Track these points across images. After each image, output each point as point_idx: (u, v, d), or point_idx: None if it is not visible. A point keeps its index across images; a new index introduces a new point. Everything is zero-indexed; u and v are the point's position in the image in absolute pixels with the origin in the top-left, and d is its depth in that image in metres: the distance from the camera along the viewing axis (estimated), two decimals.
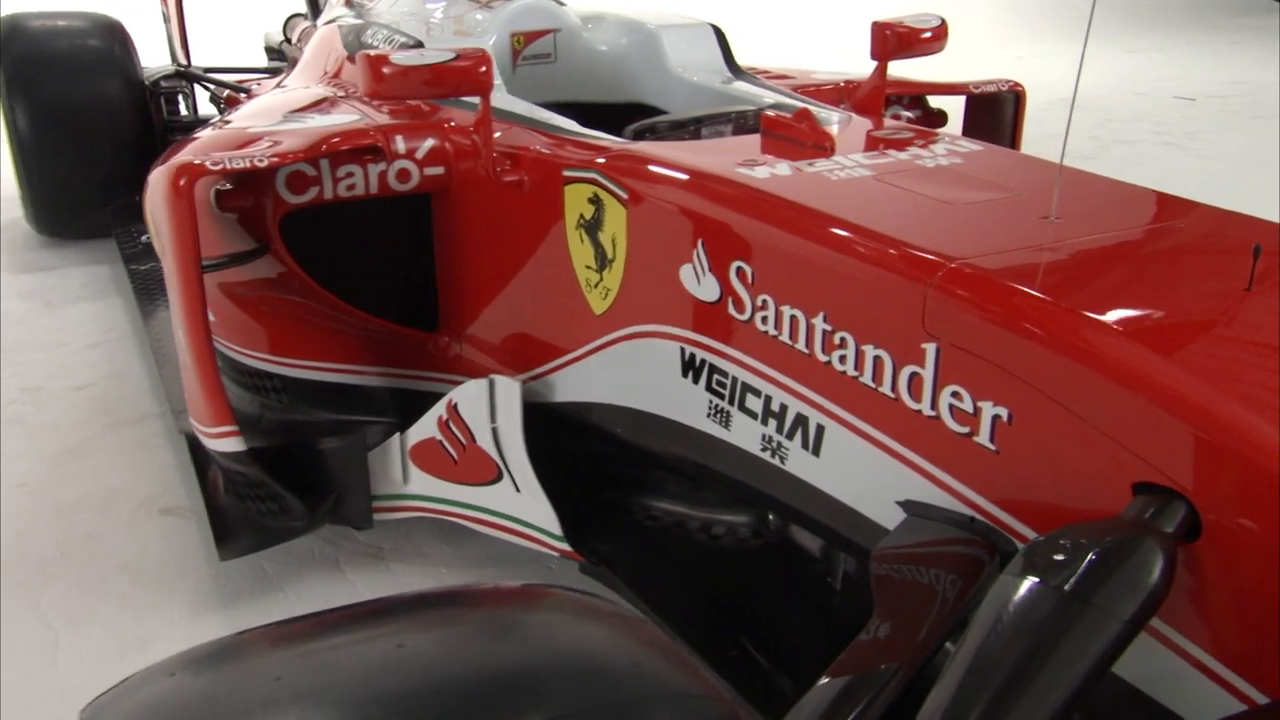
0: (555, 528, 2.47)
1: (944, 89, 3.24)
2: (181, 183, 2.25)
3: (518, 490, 2.51)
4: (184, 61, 5.58)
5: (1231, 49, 12.76)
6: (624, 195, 2.17)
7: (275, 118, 2.79)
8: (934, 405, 1.59)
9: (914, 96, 3.35)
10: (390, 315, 2.90)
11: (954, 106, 3.51)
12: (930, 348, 1.57)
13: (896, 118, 3.28)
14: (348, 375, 2.98)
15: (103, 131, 4.97)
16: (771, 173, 2.02)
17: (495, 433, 2.48)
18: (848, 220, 1.76)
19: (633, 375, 2.29)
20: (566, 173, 2.32)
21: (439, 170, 2.63)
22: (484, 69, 2.31)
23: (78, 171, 4.98)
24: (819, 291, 1.76)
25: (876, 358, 1.67)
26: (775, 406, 1.92)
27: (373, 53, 2.30)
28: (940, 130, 3.39)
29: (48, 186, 5.04)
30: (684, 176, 2.07)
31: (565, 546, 2.48)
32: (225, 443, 2.47)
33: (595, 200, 2.26)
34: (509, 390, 2.41)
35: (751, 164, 2.08)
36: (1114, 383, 1.33)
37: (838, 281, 1.72)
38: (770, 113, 2.35)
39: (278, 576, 2.74)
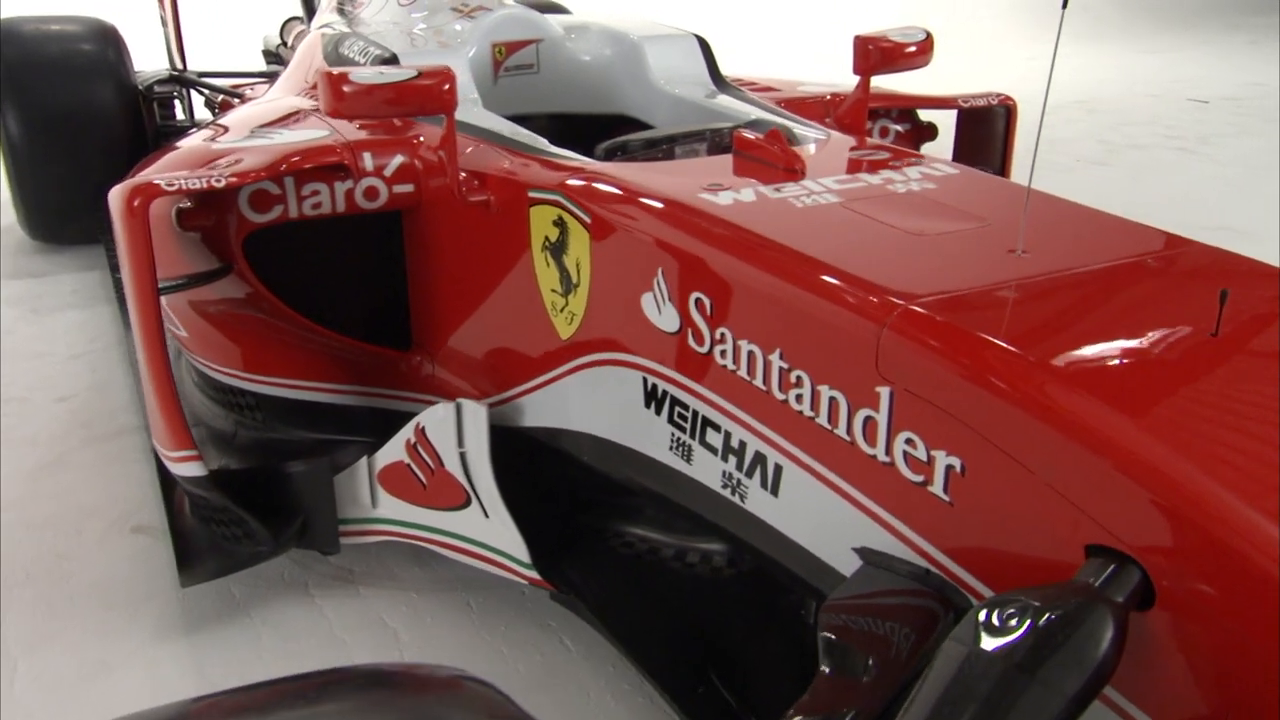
0: (524, 555, 2.41)
1: (932, 102, 3.16)
2: (135, 204, 2.20)
3: (487, 516, 2.46)
4: (180, 66, 5.55)
5: (1250, 49, 12.60)
6: (587, 219, 2.11)
7: (244, 132, 2.75)
8: (888, 452, 1.52)
9: (903, 110, 3.28)
10: (364, 333, 2.85)
11: (947, 119, 3.43)
12: (884, 392, 1.51)
13: (885, 132, 3.20)
14: (321, 394, 2.93)
15: (94, 136, 4.93)
16: (735, 198, 1.95)
17: (463, 457, 2.43)
18: (806, 253, 1.69)
19: (598, 402, 2.23)
20: (532, 194, 2.26)
21: (408, 188, 2.57)
22: (448, 87, 2.25)
23: (69, 177, 4.95)
24: (775, 327, 1.69)
25: (832, 399, 1.60)
26: (735, 443, 1.85)
27: (334, 70, 2.25)
28: (919, 151, 3.33)
29: (40, 192, 5.01)
30: (645, 201, 2.01)
31: (534, 575, 2.43)
32: (186, 467, 2.42)
33: (560, 223, 2.20)
34: (476, 415, 2.36)
35: (716, 189, 2.01)
36: (1068, 439, 1.26)
37: (793, 317, 1.66)
38: (743, 132, 2.28)
39: (245, 600, 2.69)
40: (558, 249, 2.23)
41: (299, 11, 5.47)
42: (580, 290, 2.19)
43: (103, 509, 3.11)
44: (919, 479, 1.48)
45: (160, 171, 2.74)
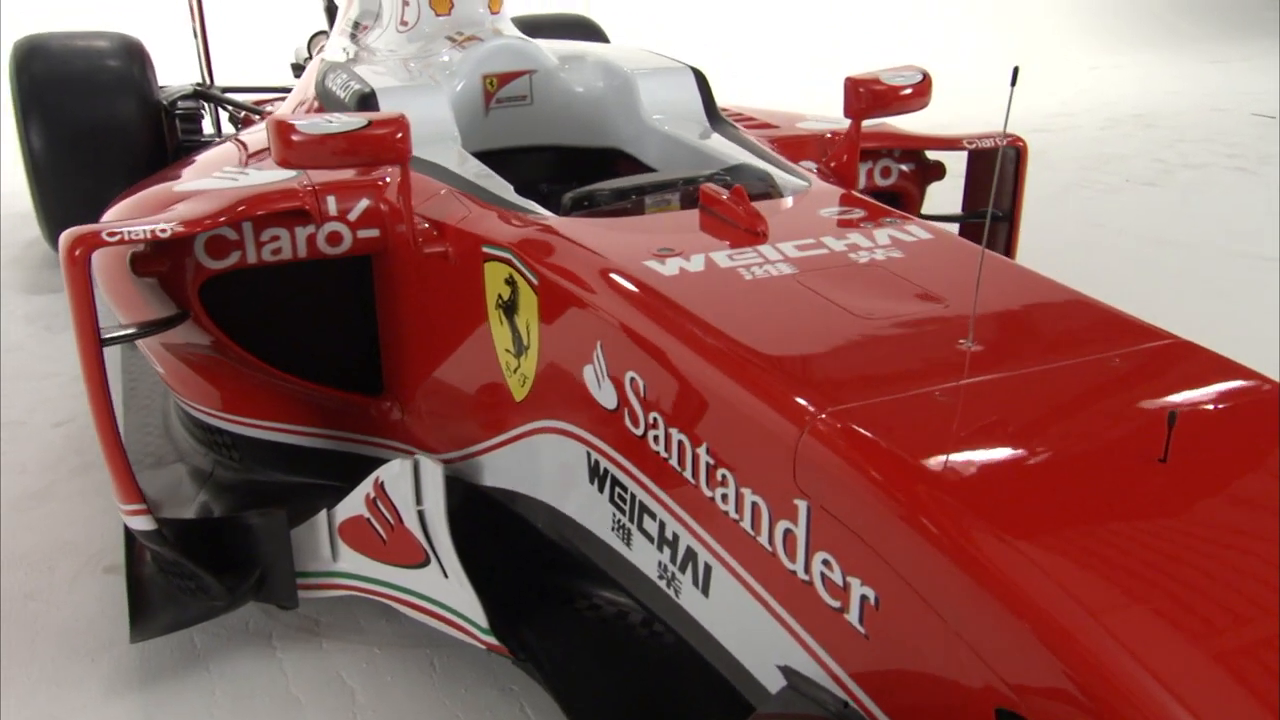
0: (481, 619, 2.31)
1: (934, 143, 2.99)
2: (77, 253, 2.14)
3: (445, 576, 2.36)
4: (208, 80, 5.55)
5: None
6: (534, 280, 2.00)
7: (211, 171, 2.68)
8: (807, 570, 1.39)
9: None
10: (340, 375, 2.78)
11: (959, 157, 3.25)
12: (802, 506, 1.38)
13: (887, 172, 3.04)
14: (297, 436, 2.86)
15: (116, 151, 4.94)
16: (682, 267, 1.83)
17: (421, 515, 2.34)
18: (739, 340, 1.56)
19: (549, 471, 2.12)
20: (485, 249, 2.16)
21: (374, 233, 2.48)
22: (400, 135, 2.15)
23: (91, 191, 4.93)
24: (702, 418, 1.57)
25: (755, 505, 1.48)
26: (669, 534, 1.73)
27: (282, 118, 2.16)
28: (928, 186, 3.17)
29: (63, 205, 5.02)
30: (588, 267, 1.89)
31: (492, 640, 2.32)
32: (135, 521, 2.36)
33: (511, 282, 2.09)
34: (432, 473, 2.27)
35: (666, 254, 1.89)
36: (983, 591, 1.12)
37: (719, 410, 1.53)
38: (710, 187, 2.15)
39: (206, 651, 2.63)
40: (510, 309, 2.12)
41: (326, 26, 5.44)
42: (531, 353, 2.08)
43: (80, 545, 3.07)
44: (836, 604, 1.35)
45: (122, 214, 2.69)
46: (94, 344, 2.19)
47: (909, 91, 2.54)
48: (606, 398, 1.83)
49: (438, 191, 2.40)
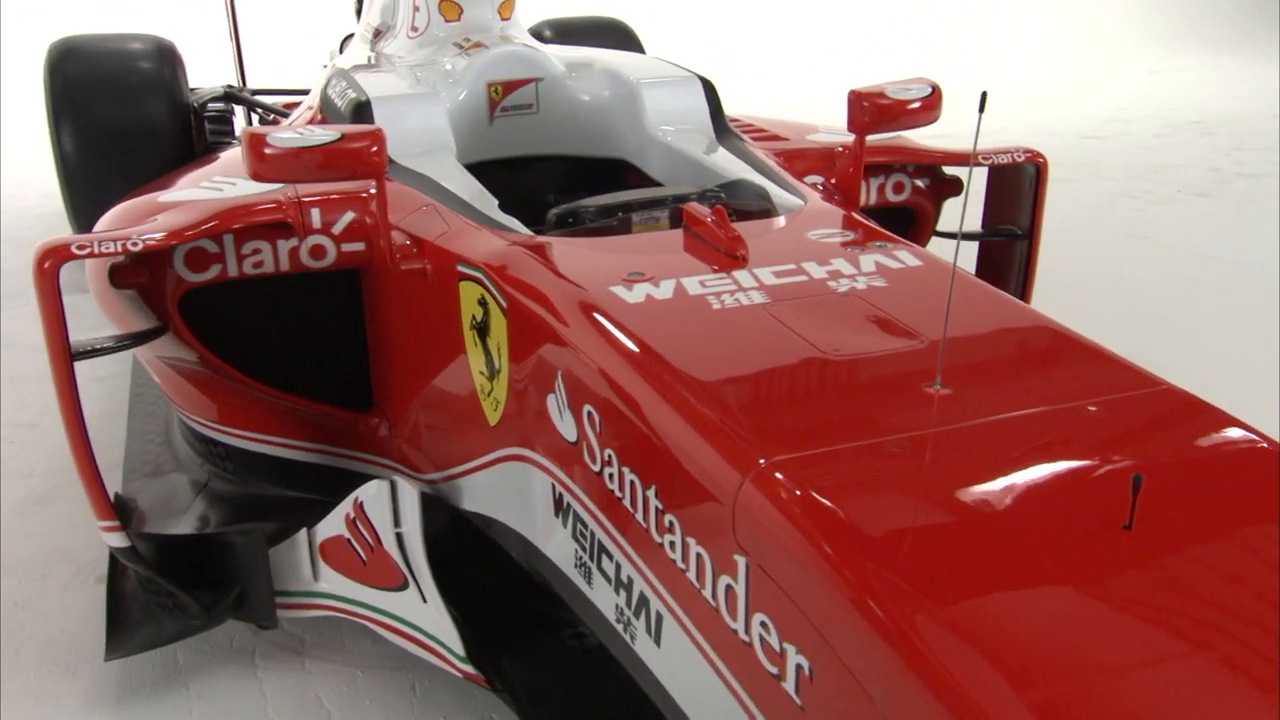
0: (459, 648, 2.25)
1: (948, 158, 2.85)
2: (46, 265, 2.10)
3: (424, 601, 2.30)
4: (240, 82, 5.56)
5: None
6: (504, 303, 1.92)
7: (198, 182, 2.64)
8: (747, 631, 1.29)
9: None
10: (332, 390, 2.72)
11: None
12: (741, 562, 1.28)
13: (899, 187, 2.92)
14: (290, 450, 2.82)
15: (145, 153, 4.94)
16: (649, 294, 1.74)
17: (400, 538, 2.28)
18: (690, 376, 1.47)
19: (519, 500, 2.05)
20: (460, 267, 2.08)
21: (359, 246, 2.42)
22: (375, 149, 2.08)
23: (120, 193, 4.95)
24: (651, 460, 1.47)
25: (699, 556, 1.38)
26: (624, 577, 1.64)
27: (255, 130, 2.10)
28: (944, 201, 3.04)
29: (92, 207, 5.02)
30: (553, 293, 1.81)
31: (469, 669, 2.26)
32: (109, 537, 2.32)
33: (483, 303, 2.02)
34: (409, 495, 2.21)
35: (636, 279, 1.80)
36: (912, 673, 1.02)
37: (667, 452, 1.44)
38: (694, 207, 2.06)
39: (188, 668, 2.59)
40: (483, 330, 2.05)
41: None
42: (502, 377, 2.00)
43: (75, 553, 3.06)
44: (774, 671, 1.25)
45: (110, 223, 2.66)
46: (64, 357, 2.15)
47: (917, 106, 2.42)
48: (568, 429, 1.74)
49: (420, 205, 2.33)
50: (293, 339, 2.68)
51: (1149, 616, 1.04)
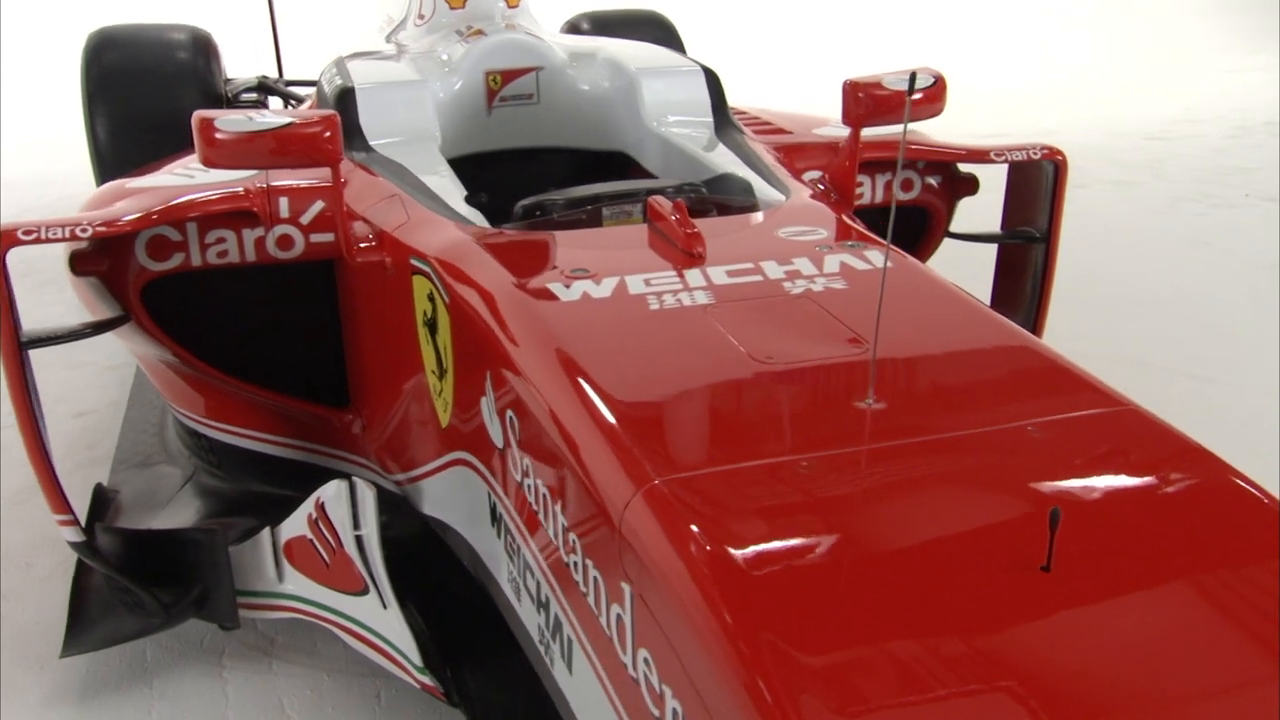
0: (416, 656, 2.15)
1: (959, 155, 2.66)
2: None
3: (385, 607, 2.21)
4: (280, 72, 5.57)
5: None
6: (447, 299, 1.81)
7: (175, 169, 2.58)
8: (634, 666, 1.17)
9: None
10: (317, 385, 2.65)
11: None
12: (626, 591, 1.15)
13: (908, 185, 2.75)
14: (270, 445, 2.76)
15: (175, 143, 4.93)
16: (586, 293, 1.62)
17: (360, 541, 2.19)
18: (601, 383, 1.35)
19: (465, 506, 1.95)
20: (412, 261, 1.99)
21: (328, 237, 2.34)
22: (328, 134, 1.99)
23: None
24: (557, 472, 1.36)
25: (595, 580, 1.26)
26: (543, 597, 1.53)
27: (204, 113, 2.03)
28: (959, 199, 2.86)
29: None
30: (489, 288, 1.70)
31: (426, 679, 2.16)
32: (65, 532, 2.27)
33: (432, 299, 1.91)
34: (367, 497, 2.11)
35: (580, 276, 1.68)
36: None
37: (570, 465, 1.31)
38: (658, 201, 1.93)
39: (155, 666, 2.54)
40: (432, 327, 1.95)
41: None
42: (449, 377, 1.90)
43: (62, 542, 3.01)
44: (656, 713, 1.12)
45: (87, 208, 2.61)
46: (13, 345, 2.10)
47: (918, 97, 2.26)
48: (496, 435, 1.64)
49: (388, 195, 2.24)
50: (279, 332, 2.61)
51: (1051, 682, 0.89)
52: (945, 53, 10.39)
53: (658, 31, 5.67)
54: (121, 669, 2.52)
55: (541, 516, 1.45)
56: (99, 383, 4.01)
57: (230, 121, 1.99)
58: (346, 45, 6.57)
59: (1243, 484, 1.09)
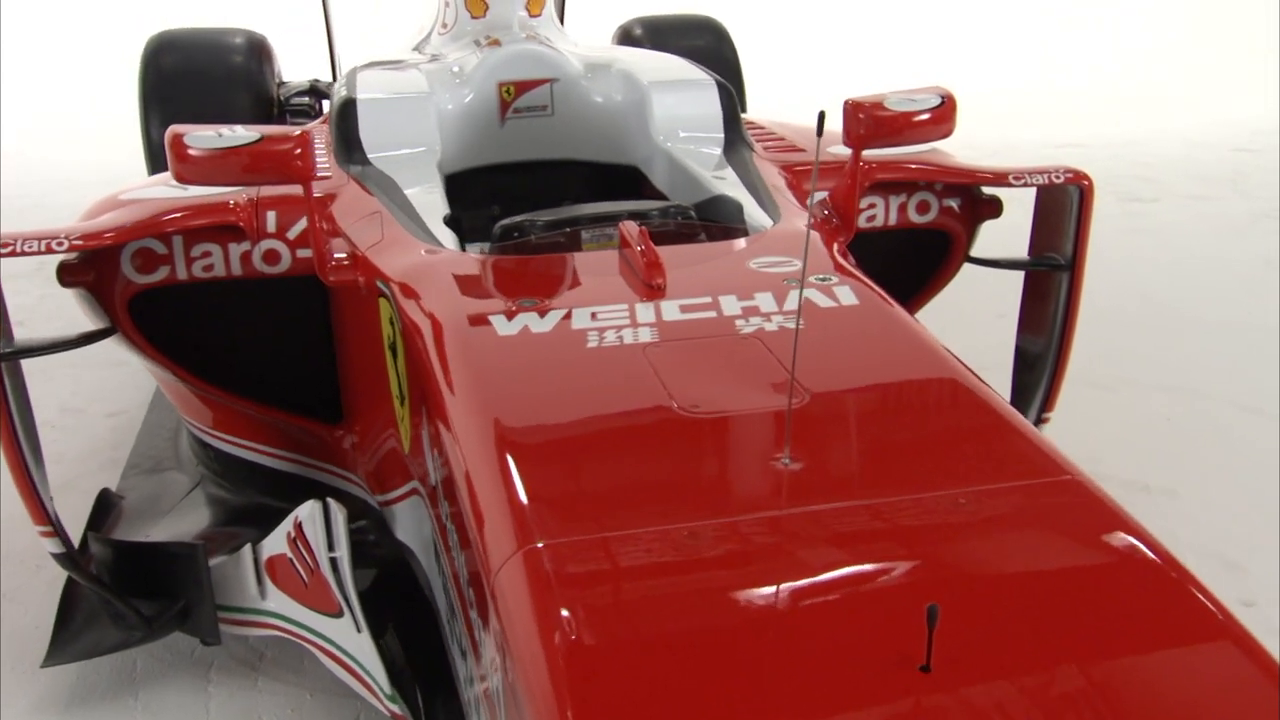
0: (385, 683, 2.10)
1: (976, 177, 2.51)
2: None
3: (359, 630, 2.17)
4: (334, 76, 5.60)
5: None
6: (400, 325, 1.76)
7: (170, 180, 2.57)
8: None
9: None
10: (320, 400, 2.63)
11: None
12: (499, 659, 1.08)
13: (924, 207, 2.61)
14: (271, 458, 2.76)
15: None
16: (526, 326, 1.55)
17: (334, 563, 2.15)
18: (511, 430, 1.28)
19: (419, 538, 1.89)
20: (378, 282, 1.94)
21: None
22: (299, 152, 1.95)
23: None
24: (461, 522, 1.29)
25: (481, 641, 1.18)
26: (464, 646, 1.46)
27: (177, 128, 2.00)
28: (978, 224, 2.71)
29: None
30: (433, 318, 1.64)
31: (395, 707, 2.11)
32: (46, 543, 2.27)
33: (393, 323, 1.86)
34: (338, 518, 2.08)
35: (526, 308, 1.61)
36: None
37: (468, 518, 1.24)
38: (628, 227, 1.85)
39: (143, 676, 2.54)
40: (395, 351, 1.90)
41: None
42: (407, 404, 1.85)
43: None
44: None
45: (84, 218, 2.62)
46: None
47: (924, 118, 2.15)
48: (434, 470, 1.57)
49: (370, 211, 2.20)
50: (276, 346, 2.59)
51: None
52: (1004, 62, 10.05)
53: (710, 37, 5.56)
54: (111, 677, 2.53)
55: (463, 570, 1.38)
56: (133, 383, 4.06)
57: (201, 138, 1.96)
58: (398, 50, 6.60)
59: (1173, 573, 0.97)
